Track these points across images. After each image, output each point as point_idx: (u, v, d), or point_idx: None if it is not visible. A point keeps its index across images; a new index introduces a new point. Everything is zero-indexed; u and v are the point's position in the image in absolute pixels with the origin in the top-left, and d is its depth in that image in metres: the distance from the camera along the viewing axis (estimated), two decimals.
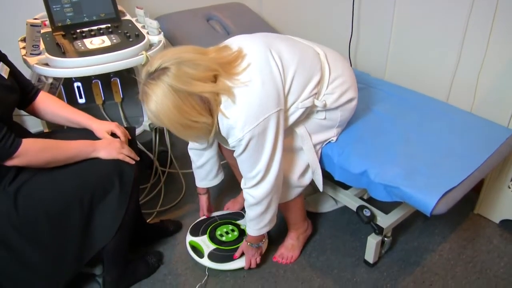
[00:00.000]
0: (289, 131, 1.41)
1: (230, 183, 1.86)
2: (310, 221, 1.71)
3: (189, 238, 1.65)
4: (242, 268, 1.58)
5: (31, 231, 1.21)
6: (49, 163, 1.22)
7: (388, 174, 1.35)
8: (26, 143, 1.16)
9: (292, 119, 1.35)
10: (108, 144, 1.32)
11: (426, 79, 1.90)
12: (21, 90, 1.31)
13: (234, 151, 1.30)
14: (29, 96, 1.36)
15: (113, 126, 1.41)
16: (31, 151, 1.17)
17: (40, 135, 1.43)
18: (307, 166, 1.46)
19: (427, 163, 1.39)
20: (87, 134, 1.37)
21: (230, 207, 1.83)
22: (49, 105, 1.40)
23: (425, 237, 1.73)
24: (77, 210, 1.25)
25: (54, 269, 1.29)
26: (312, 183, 1.51)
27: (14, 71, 1.31)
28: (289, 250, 1.63)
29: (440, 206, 1.25)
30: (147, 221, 1.79)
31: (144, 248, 1.67)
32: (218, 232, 1.65)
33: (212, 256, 1.56)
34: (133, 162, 1.34)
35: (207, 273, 1.56)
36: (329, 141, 1.50)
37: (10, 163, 1.15)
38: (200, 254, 1.58)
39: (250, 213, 1.40)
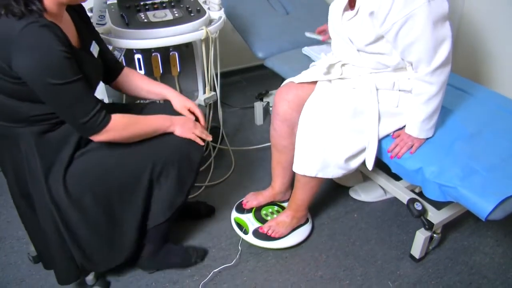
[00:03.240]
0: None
1: (252, 176, 1.87)
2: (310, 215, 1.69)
3: (235, 214, 1.68)
4: (285, 249, 1.59)
5: (102, 196, 1.27)
6: (130, 139, 1.25)
7: (444, 173, 1.30)
8: (114, 120, 1.18)
9: None
10: (184, 122, 1.34)
11: (496, 74, 1.80)
12: (109, 67, 1.36)
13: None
14: (116, 72, 1.41)
15: (192, 104, 1.43)
16: (117, 128, 1.19)
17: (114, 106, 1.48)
18: (361, 151, 1.43)
19: (487, 165, 1.32)
20: (164, 109, 1.39)
21: (250, 200, 1.71)
22: (133, 79, 1.44)
23: (476, 237, 1.66)
24: (144, 183, 1.29)
25: (116, 237, 1.34)
26: (360, 170, 1.48)
27: (102, 48, 1.35)
28: (279, 226, 1.58)
29: (497, 212, 1.20)
30: (194, 195, 1.84)
31: (191, 225, 1.70)
32: (263, 212, 1.67)
33: (257, 234, 1.58)
34: (203, 144, 1.36)
35: (239, 247, 1.59)
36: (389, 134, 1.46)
37: (96, 138, 1.17)
38: (245, 231, 1.61)
39: (427, 108, 1.34)
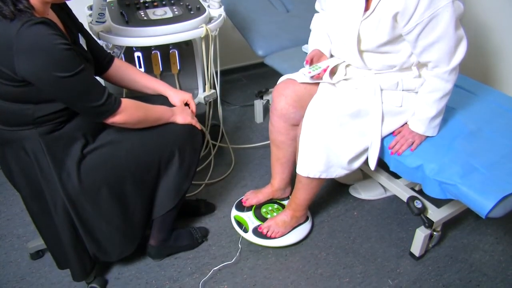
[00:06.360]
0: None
1: (252, 174, 1.87)
2: (310, 213, 1.69)
3: (235, 212, 1.68)
4: (285, 247, 1.59)
5: (117, 188, 1.29)
6: (141, 122, 1.28)
7: (445, 171, 1.30)
8: (124, 101, 1.21)
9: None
10: (182, 110, 1.41)
11: (495, 71, 1.79)
12: (97, 58, 1.36)
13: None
14: (104, 63, 1.41)
15: (188, 97, 1.48)
16: (130, 108, 1.22)
17: None
18: (364, 151, 1.43)
19: (487, 162, 1.32)
20: (162, 102, 1.43)
21: (250, 198, 1.70)
22: (126, 71, 1.45)
23: (476, 235, 1.66)
24: (154, 172, 1.34)
25: (128, 227, 1.38)
26: (361, 169, 1.47)
27: (89, 40, 1.35)
28: (279, 225, 1.58)
29: (497, 209, 1.20)
30: (194, 193, 1.85)
31: (191, 223, 1.71)
32: (263, 210, 1.67)
33: (257, 232, 1.58)
34: (200, 128, 1.43)
35: (239, 245, 1.59)
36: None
37: (111, 120, 1.19)
38: (244, 229, 1.61)
39: (439, 105, 1.36)
